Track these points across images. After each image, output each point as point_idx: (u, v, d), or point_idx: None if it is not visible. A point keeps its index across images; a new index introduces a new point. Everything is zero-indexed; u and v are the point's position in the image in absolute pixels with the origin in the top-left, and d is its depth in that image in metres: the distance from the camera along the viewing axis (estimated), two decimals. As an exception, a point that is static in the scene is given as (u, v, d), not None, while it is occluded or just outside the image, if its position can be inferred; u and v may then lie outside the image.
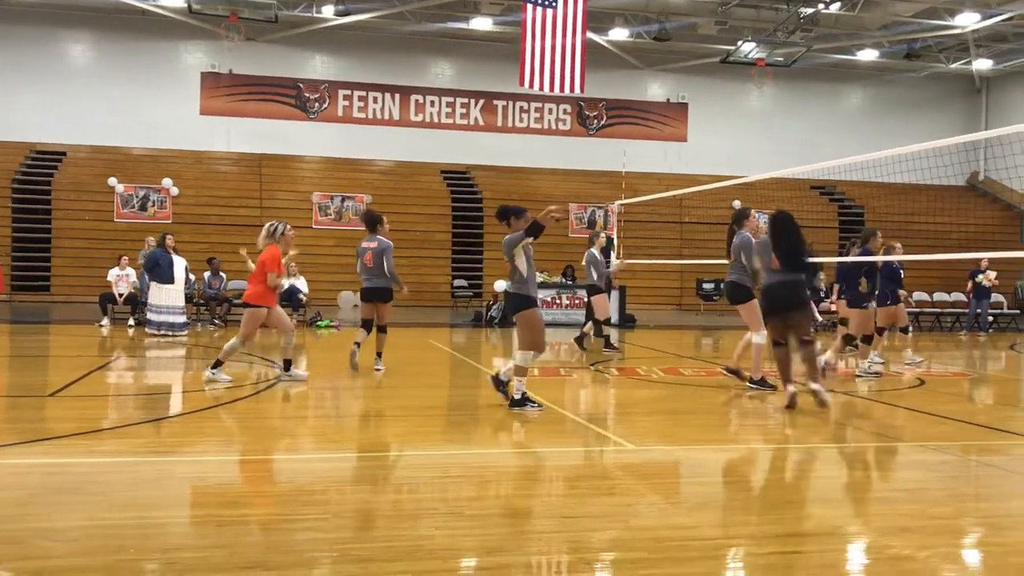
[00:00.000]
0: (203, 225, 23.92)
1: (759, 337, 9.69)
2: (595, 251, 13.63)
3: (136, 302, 17.31)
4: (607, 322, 13.85)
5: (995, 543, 4.60)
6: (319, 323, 18.15)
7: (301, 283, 18.71)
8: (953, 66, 29.73)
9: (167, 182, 24.88)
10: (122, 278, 17.40)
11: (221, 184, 25.88)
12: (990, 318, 21.42)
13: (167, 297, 14.99)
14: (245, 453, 6.55)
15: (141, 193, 24.84)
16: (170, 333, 14.83)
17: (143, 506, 4.82)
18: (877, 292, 11.81)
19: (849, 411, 9.20)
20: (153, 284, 15.11)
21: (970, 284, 20.57)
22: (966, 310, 21.40)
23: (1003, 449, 7.22)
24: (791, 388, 8.48)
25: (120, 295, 17.20)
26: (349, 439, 7.13)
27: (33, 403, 8.32)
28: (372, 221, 10.84)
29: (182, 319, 15.27)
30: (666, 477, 6.09)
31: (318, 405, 9.08)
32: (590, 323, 13.94)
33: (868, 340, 11.40)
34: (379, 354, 10.69)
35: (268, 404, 8.62)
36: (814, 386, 8.37)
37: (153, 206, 24.87)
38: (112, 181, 24.63)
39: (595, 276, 13.55)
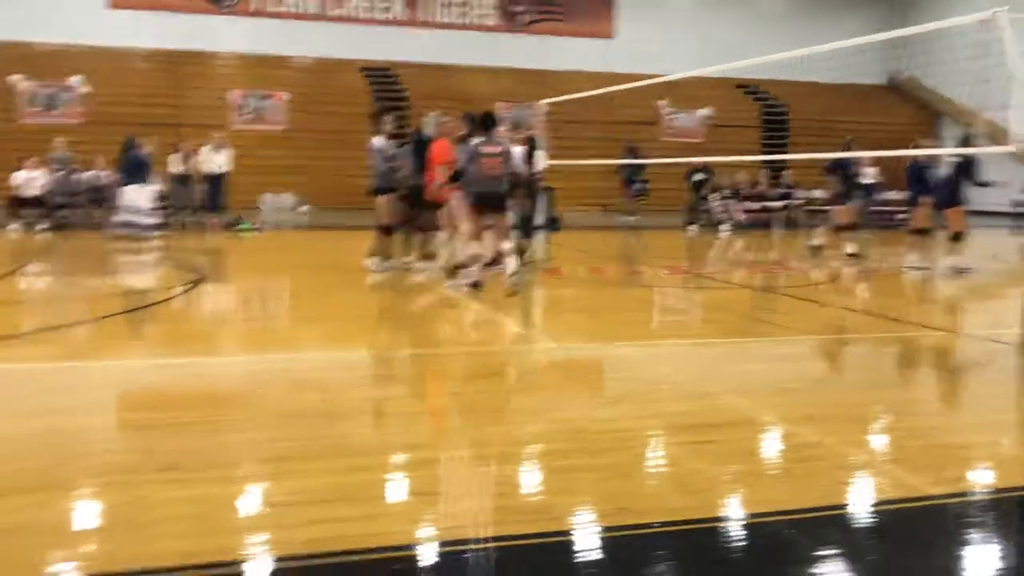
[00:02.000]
0: (116, 125, 22.93)
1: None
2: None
3: (44, 205, 16.67)
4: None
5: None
6: (241, 226, 17.76)
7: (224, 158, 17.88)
8: (878, -36, 29.79)
9: (76, 80, 23.71)
10: (29, 180, 16.70)
11: (134, 81, 24.76)
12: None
13: (144, 198, 15.28)
14: (163, 357, 6.46)
15: (47, 91, 23.67)
16: (141, 233, 14.88)
17: (57, 412, 4.73)
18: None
19: (762, 306, 9.46)
20: (130, 186, 15.27)
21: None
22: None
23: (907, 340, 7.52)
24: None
25: (28, 198, 16.53)
26: (272, 342, 7.07)
27: (-61, 310, 8.04)
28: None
29: (154, 220, 15.44)
30: (587, 373, 6.22)
31: (244, 309, 8.97)
32: None
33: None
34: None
35: (190, 308, 8.48)
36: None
37: (61, 105, 23.75)
38: (14, 78, 23.36)
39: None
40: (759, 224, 21.01)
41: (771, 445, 4.51)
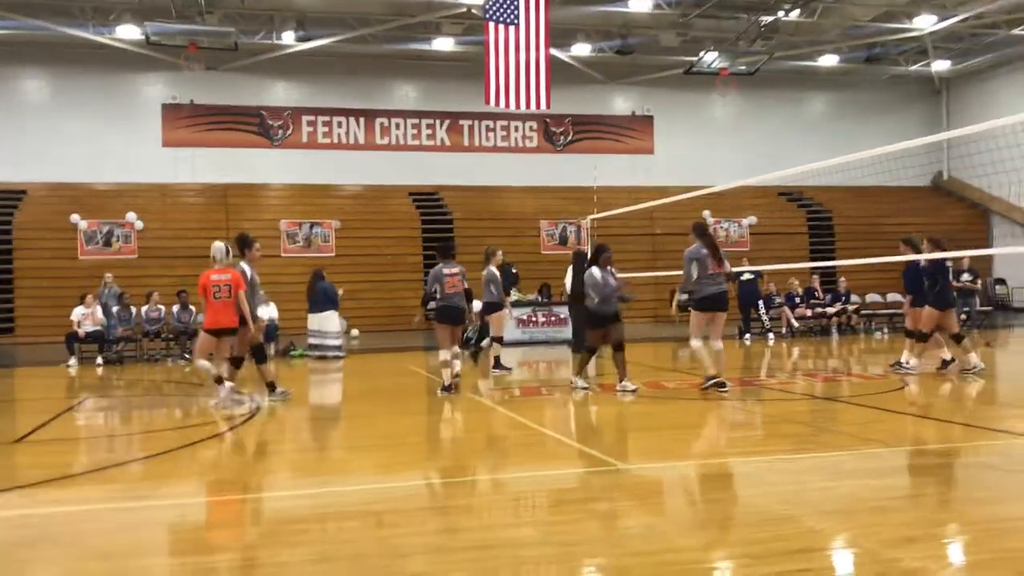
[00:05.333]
0: (170, 259, 23.50)
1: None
2: (492, 268, 13.23)
3: (102, 340, 16.94)
4: (499, 340, 13.64)
5: (999, 548, 4.48)
6: (292, 352, 17.85)
7: (273, 311, 18.43)
8: (913, 68, 30.05)
9: (131, 216, 24.47)
10: (87, 316, 17.02)
11: (187, 216, 25.49)
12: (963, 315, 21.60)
13: (331, 324, 16.89)
14: (222, 492, 6.31)
15: (105, 229, 24.40)
16: (328, 355, 16.59)
17: (120, 555, 4.58)
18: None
19: (832, 416, 9.11)
20: (318, 314, 16.88)
21: (955, 284, 20.99)
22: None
23: (998, 449, 7.13)
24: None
25: (85, 333, 16.81)
26: (330, 472, 6.90)
27: (-1, 450, 8.02)
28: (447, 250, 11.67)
29: (339, 342, 16.99)
30: (659, 496, 5.94)
31: (295, 438, 8.85)
32: (489, 339, 13.70)
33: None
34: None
35: (244, 439, 8.37)
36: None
37: (118, 241, 24.43)
38: (75, 218, 24.18)
39: (494, 293, 13.19)
40: (814, 331, 20.66)
41: (873, 572, 4.18)
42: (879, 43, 28.26)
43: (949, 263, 12.07)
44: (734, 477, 6.46)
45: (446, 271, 10.96)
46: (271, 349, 17.80)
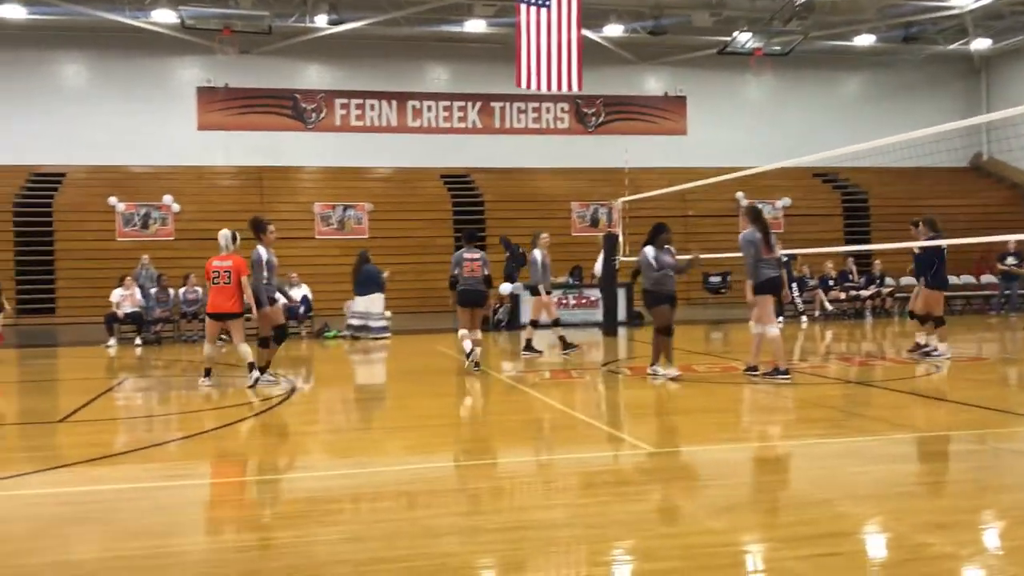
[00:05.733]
0: (206, 241, 23.72)
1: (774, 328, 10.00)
2: (535, 252, 13.38)
3: (141, 320, 17.22)
4: (534, 324, 13.66)
5: (1034, 535, 4.48)
6: (327, 334, 18.04)
7: (306, 291, 18.66)
8: (951, 47, 29.53)
9: (168, 199, 24.78)
10: (126, 297, 17.30)
11: (222, 198, 25.75)
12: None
13: (375, 305, 17.34)
14: (260, 472, 6.44)
15: (142, 211, 24.74)
16: (371, 336, 16.95)
17: (160, 534, 4.71)
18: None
19: (865, 401, 9.08)
20: (363, 296, 17.34)
21: (999, 266, 20.99)
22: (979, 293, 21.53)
23: (1029, 435, 7.09)
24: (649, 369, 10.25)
25: (124, 314, 17.10)
26: (362, 452, 7.01)
27: (43, 430, 8.22)
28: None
29: (383, 324, 17.35)
30: (688, 479, 5.97)
31: (328, 419, 8.98)
32: (529, 326, 13.72)
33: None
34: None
35: (279, 420, 8.51)
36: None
37: (155, 223, 24.76)
38: (112, 200, 24.53)
39: (535, 276, 13.35)
40: (848, 314, 20.50)
41: (902, 557, 4.20)
42: (917, 22, 27.78)
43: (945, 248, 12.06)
44: (764, 461, 6.48)
45: (467, 256, 11.45)
46: (302, 331, 18.07)
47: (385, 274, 17.72)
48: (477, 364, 11.24)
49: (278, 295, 10.76)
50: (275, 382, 10.45)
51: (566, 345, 13.18)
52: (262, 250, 10.47)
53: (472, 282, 11.43)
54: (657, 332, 10.38)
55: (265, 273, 10.35)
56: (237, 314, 10.36)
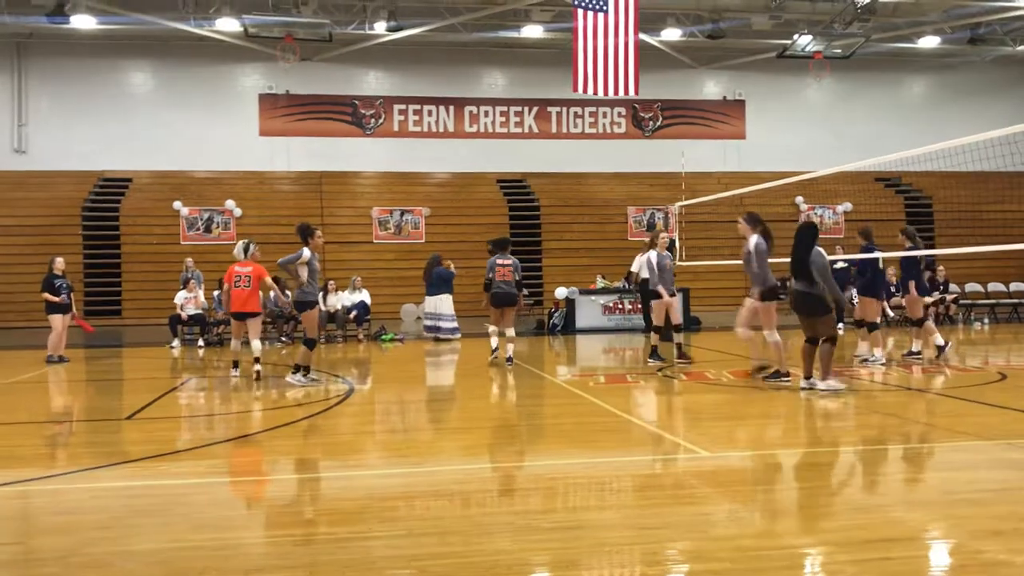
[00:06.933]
0: (267, 244, 24.16)
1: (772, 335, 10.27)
2: (651, 253, 12.86)
3: (204, 322, 17.62)
4: (658, 330, 13.04)
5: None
6: (383, 336, 18.28)
7: (365, 296, 18.92)
8: (1020, 48, 28.85)
9: (230, 203, 25.36)
10: (190, 300, 17.73)
11: (283, 203, 26.26)
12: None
13: (446, 307, 18.05)
14: (314, 470, 6.59)
15: (205, 215, 25.35)
16: (442, 336, 17.73)
17: (223, 527, 4.86)
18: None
19: (924, 408, 8.94)
20: (434, 296, 18.11)
21: None
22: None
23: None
24: (804, 383, 9.58)
25: (187, 316, 17.53)
26: (418, 453, 7.12)
27: (111, 427, 8.50)
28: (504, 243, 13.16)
29: (454, 324, 18.05)
30: (742, 484, 5.96)
31: (385, 420, 9.12)
32: (652, 332, 13.19)
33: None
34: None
35: (337, 420, 8.68)
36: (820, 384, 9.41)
37: (217, 227, 25.35)
38: (177, 205, 25.18)
39: (656, 280, 12.69)
40: (911, 321, 20.10)
41: (955, 563, 4.17)
42: (984, 23, 27.19)
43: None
44: (818, 466, 6.43)
45: (499, 262, 12.60)
46: (360, 333, 18.32)
47: (455, 272, 18.60)
48: (510, 359, 12.35)
49: (344, 299, 11.38)
50: (317, 382, 10.98)
51: (680, 354, 12.77)
52: (307, 252, 10.84)
53: (504, 285, 12.56)
54: (824, 342, 9.55)
55: (306, 276, 10.61)
56: (257, 313, 11.73)
